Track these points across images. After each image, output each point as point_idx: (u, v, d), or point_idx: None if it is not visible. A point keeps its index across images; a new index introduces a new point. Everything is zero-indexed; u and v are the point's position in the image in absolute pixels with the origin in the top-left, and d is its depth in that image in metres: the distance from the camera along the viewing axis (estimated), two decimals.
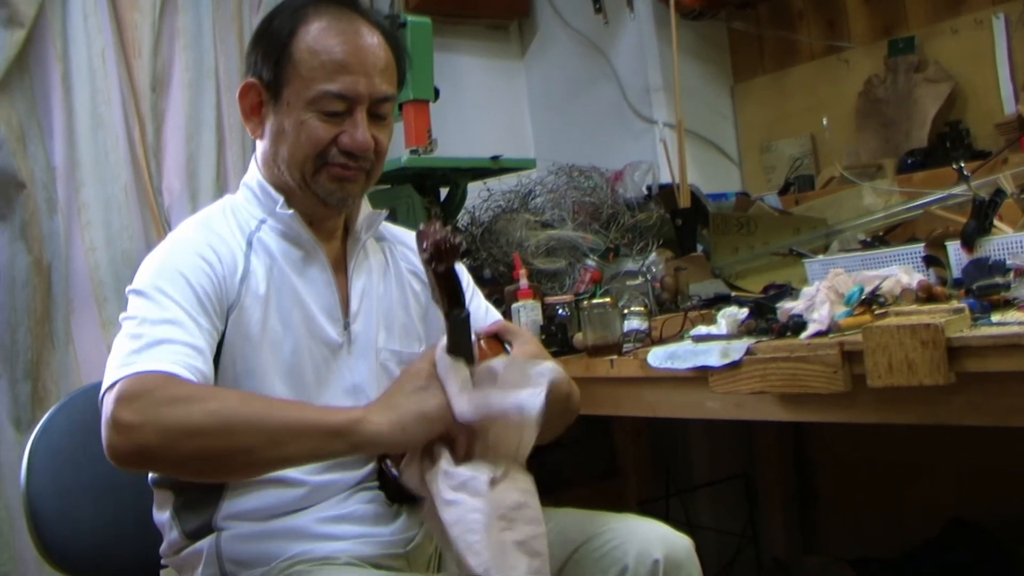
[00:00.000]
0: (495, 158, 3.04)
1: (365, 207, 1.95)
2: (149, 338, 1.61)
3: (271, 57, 1.80)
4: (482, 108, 4.08)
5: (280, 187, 1.85)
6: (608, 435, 3.51)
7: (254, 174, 1.90)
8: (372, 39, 1.81)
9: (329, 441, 1.55)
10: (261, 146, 1.87)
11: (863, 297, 2.01)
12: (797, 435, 3.69)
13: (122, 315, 1.70)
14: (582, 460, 3.38)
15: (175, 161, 3.27)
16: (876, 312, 1.97)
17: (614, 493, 3.43)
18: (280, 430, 1.53)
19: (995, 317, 1.82)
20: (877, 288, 2.05)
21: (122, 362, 1.58)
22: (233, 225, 1.85)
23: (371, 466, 1.83)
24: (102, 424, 1.54)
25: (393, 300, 1.97)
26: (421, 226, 1.60)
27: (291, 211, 1.83)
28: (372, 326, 1.90)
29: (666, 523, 1.88)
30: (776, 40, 3.78)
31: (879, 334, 1.76)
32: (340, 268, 1.91)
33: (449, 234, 1.56)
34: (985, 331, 1.72)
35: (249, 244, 1.82)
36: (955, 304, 1.90)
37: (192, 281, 1.71)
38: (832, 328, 1.95)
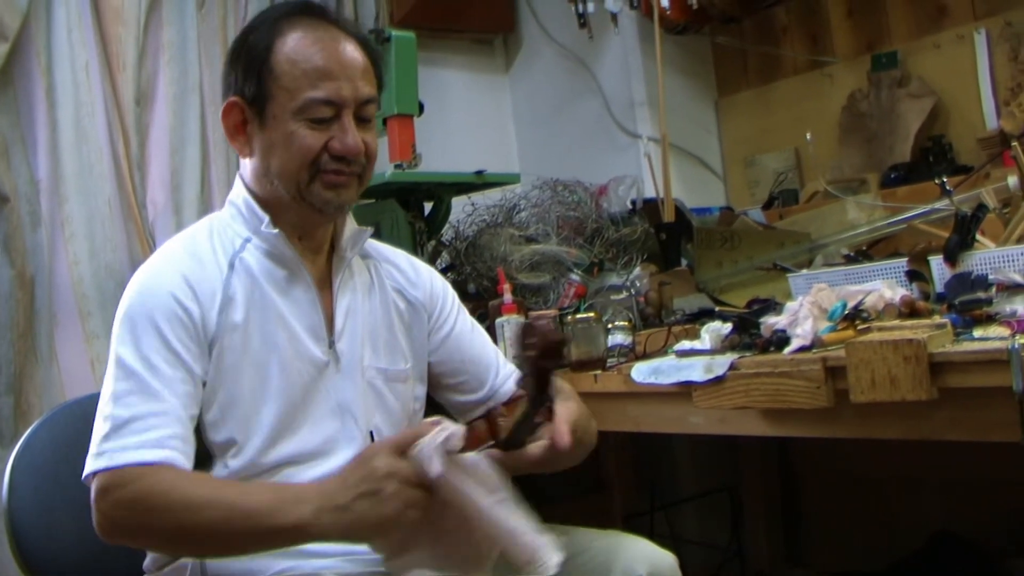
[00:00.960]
0: (479, 173, 3.04)
1: (351, 224, 1.94)
2: (118, 418, 1.65)
3: (252, 73, 1.79)
4: (467, 122, 4.09)
5: (270, 202, 1.84)
6: (593, 450, 3.50)
7: (240, 191, 1.89)
8: (348, 44, 1.82)
9: (284, 544, 1.62)
10: (250, 163, 1.86)
11: (846, 312, 2.02)
12: (782, 449, 3.69)
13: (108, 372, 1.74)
14: (567, 475, 3.36)
15: (159, 175, 3.27)
16: (859, 327, 1.97)
17: (599, 508, 3.43)
18: (237, 536, 1.59)
19: (977, 332, 1.82)
20: (860, 303, 2.05)
21: (97, 450, 1.65)
22: (217, 246, 1.84)
23: None
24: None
25: (378, 318, 1.96)
26: (530, 316, 1.56)
27: (276, 231, 1.83)
28: (357, 344, 1.90)
29: (651, 538, 1.89)
30: (760, 55, 3.78)
31: (862, 349, 1.76)
32: (325, 286, 1.90)
33: (559, 331, 1.53)
34: (967, 346, 1.73)
35: (231, 266, 1.82)
36: (937, 319, 1.90)
37: (166, 331, 1.71)
38: (815, 343, 1.95)
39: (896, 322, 1.99)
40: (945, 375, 1.71)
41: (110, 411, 1.66)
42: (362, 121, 1.83)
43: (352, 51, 1.82)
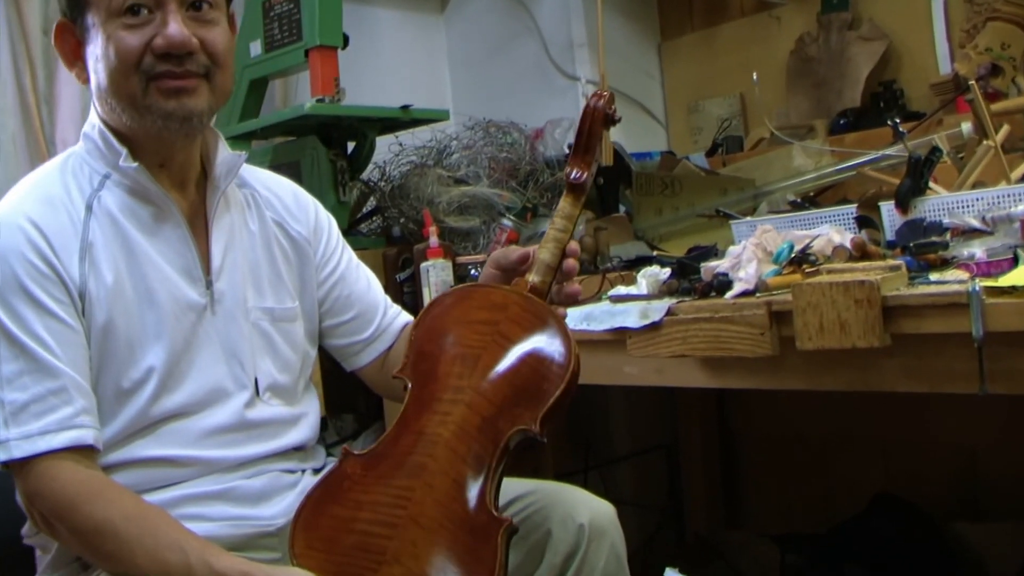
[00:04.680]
0: (405, 108, 2.91)
1: (223, 149, 1.75)
2: (14, 402, 1.54)
3: None
4: (399, 63, 3.96)
5: (123, 131, 1.65)
6: None
7: (93, 120, 1.69)
8: None
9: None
10: (92, 89, 1.66)
11: (793, 255, 1.92)
12: (720, 407, 3.66)
13: None
14: None
15: (70, 110, 3.11)
16: (807, 271, 1.87)
17: (529, 466, 3.31)
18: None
19: (933, 276, 1.74)
20: (808, 246, 1.96)
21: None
22: (72, 186, 1.66)
23: (274, 443, 1.73)
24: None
25: (259, 254, 1.80)
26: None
27: (136, 164, 1.64)
28: (239, 283, 1.74)
29: None
30: None
31: (809, 292, 1.67)
32: (198, 221, 1.73)
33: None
34: (923, 290, 1.64)
35: (89, 209, 1.64)
36: (891, 262, 1.80)
37: (37, 294, 1.56)
38: (759, 287, 1.86)
39: (847, 265, 1.88)
40: (899, 320, 1.62)
41: (4, 395, 1.53)
42: (196, 12, 1.62)
43: None
